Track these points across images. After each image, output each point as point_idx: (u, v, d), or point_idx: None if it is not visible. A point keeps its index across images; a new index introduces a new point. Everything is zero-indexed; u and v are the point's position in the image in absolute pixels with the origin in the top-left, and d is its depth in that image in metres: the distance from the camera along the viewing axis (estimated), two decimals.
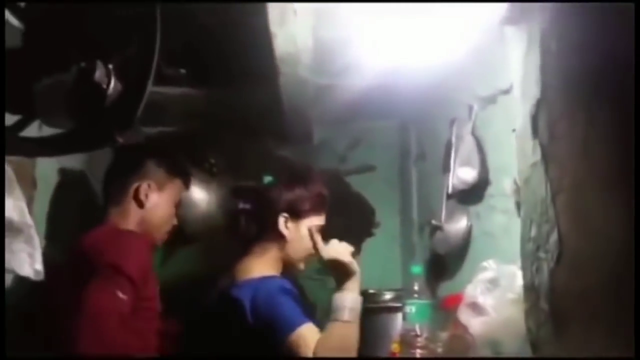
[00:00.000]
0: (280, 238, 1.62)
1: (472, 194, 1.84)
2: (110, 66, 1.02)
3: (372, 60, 1.86)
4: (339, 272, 1.47)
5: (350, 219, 2.34)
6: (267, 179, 1.68)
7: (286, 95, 1.83)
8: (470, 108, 1.87)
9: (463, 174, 1.87)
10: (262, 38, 1.52)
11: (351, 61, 1.87)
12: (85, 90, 1.00)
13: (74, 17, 1.08)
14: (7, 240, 1.37)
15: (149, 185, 1.57)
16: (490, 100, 1.77)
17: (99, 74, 1.00)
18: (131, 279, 1.34)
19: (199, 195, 1.98)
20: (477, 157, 1.80)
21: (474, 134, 1.84)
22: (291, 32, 1.51)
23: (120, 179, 1.59)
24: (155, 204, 1.58)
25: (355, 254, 1.52)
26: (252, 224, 1.63)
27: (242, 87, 1.84)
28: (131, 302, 1.34)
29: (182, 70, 1.76)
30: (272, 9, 1.40)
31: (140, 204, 1.56)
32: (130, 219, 1.55)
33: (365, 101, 2.18)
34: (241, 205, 1.64)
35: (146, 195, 1.56)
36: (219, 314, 1.57)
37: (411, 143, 2.58)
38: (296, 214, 1.64)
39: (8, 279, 1.53)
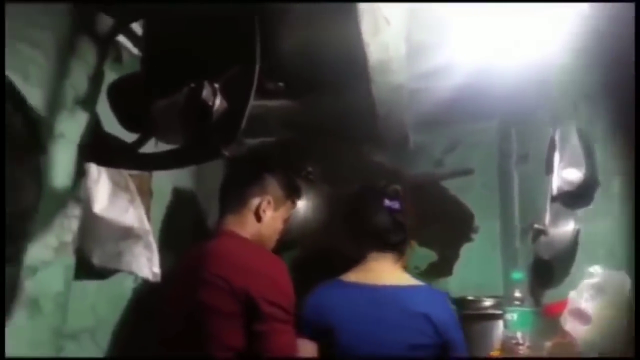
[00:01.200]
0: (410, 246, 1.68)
1: (579, 196, 1.75)
2: (216, 85, 1.11)
3: (467, 59, 1.83)
4: None
5: (448, 224, 2.31)
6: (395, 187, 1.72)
7: (380, 101, 1.85)
8: (575, 105, 1.79)
9: (568, 175, 1.78)
10: (356, 48, 1.55)
11: (445, 62, 1.85)
12: (194, 108, 1.10)
13: (184, 43, 1.19)
14: (128, 245, 1.53)
15: (268, 202, 1.65)
16: (596, 96, 1.68)
17: (205, 93, 1.10)
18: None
19: (298, 203, 2.05)
20: (583, 157, 1.71)
21: (579, 132, 1.76)
22: (384, 40, 1.53)
23: (239, 189, 1.66)
24: (271, 220, 1.65)
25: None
26: (405, 227, 1.66)
27: (336, 96, 1.89)
28: None
29: (281, 84, 1.83)
30: (365, 18, 1.43)
31: (259, 219, 1.63)
32: (247, 229, 1.62)
33: (462, 103, 2.14)
34: (396, 206, 1.66)
35: (264, 211, 1.64)
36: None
37: (512, 144, 2.49)
38: None
39: (128, 281, 1.70)
